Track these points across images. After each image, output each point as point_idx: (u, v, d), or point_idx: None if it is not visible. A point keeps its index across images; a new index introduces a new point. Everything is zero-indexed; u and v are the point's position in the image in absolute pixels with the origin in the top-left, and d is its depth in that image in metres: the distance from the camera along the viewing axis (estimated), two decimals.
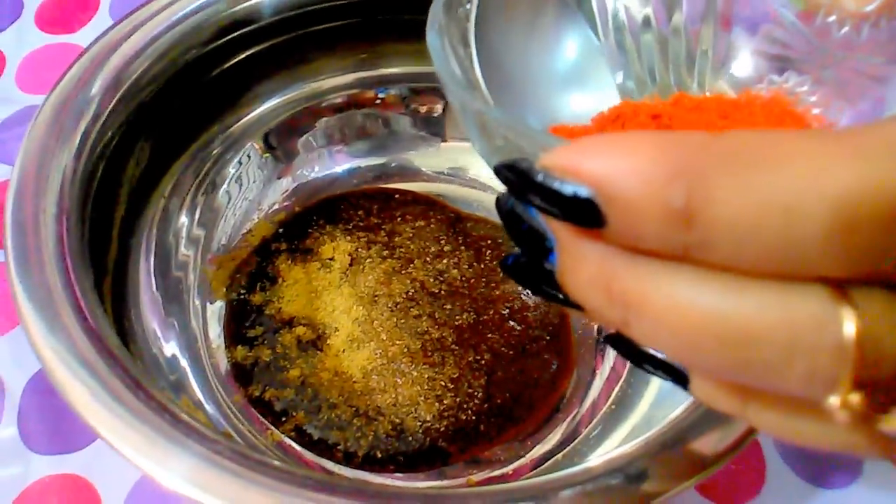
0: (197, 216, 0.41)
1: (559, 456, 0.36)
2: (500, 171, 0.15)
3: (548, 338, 0.41)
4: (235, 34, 0.39)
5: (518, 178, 0.15)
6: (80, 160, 0.31)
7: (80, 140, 0.32)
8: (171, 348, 0.37)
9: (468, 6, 0.25)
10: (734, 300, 0.13)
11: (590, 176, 0.13)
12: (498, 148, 0.20)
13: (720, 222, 0.13)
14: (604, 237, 0.14)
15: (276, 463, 0.25)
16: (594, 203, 0.13)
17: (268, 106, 0.43)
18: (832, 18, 0.22)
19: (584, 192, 0.13)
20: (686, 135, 0.13)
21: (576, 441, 0.37)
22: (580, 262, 0.15)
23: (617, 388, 0.38)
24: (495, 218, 0.44)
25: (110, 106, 0.34)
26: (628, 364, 0.39)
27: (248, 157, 0.43)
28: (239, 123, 0.42)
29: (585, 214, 0.14)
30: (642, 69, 0.28)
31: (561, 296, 0.17)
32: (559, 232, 0.15)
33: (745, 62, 0.25)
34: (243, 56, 0.40)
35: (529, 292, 0.42)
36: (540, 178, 0.14)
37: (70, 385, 0.26)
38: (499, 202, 0.17)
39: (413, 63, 0.44)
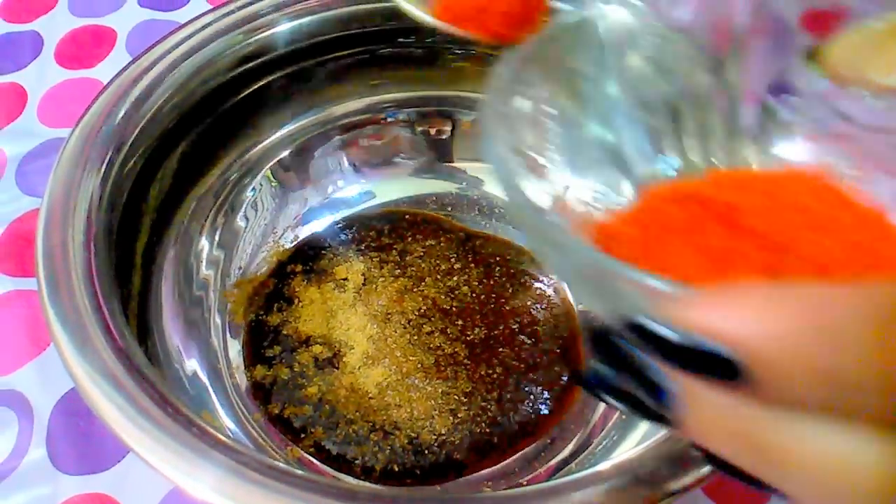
0: (216, 240, 0.42)
1: (573, 465, 0.37)
2: (619, 330, 0.15)
3: (558, 350, 0.42)
4: (251, 64, 0.40)
5: (646, 338, 0.15)
6: (106, 188, 0.33)
7: (105, 169, 0.33)
8: (192, 367, 0.38)
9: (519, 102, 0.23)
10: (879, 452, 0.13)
11: (733, 338, 0.13)
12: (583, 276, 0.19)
13: (867, 381, 0.13)
14: (742, 391, 0.14)
15: (300, 472, 0.26)
16: (735, 362, 0.13)
17: (282, 133, 0.44)
18: (860, 92, 0.22)
19: (724, 351, 0.13)
20: (822, 291, 0.14)
21: (588, 450, 0.38)
22: (715, 414, 0.15)
23: None
24: (502, 235, 0.46)
25: (133, 135, 0.35)
26: None
27: (261, 184, 0.44)
28: (255, 150, 0.44)
29: (724, 371, 0.14)
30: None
31: (650, 413, 0.17)
32: (688, 384, 0.15)
33: (782, 138, 0.25)
34: (259, 85, 0.42)
35: (540, 306, 0.43)
36: (674, 337, 0.14)
37: (101, 402, 0.27)
38: (595, 332, 0.17)
39: (420, 88, 0.46)
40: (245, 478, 0.26)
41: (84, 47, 0.56)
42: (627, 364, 0.16)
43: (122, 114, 0.35)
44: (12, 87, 0.53)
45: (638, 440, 0.36)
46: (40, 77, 0.54)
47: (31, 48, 0.56)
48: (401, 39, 0.43)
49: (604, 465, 0.27)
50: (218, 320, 0.41)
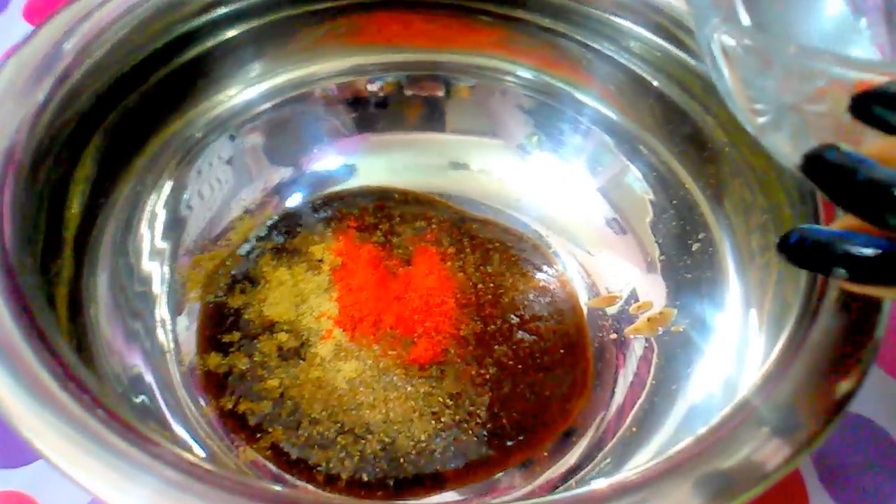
0: (171, 208, 0.37)
1: (572, 482, 0.32)
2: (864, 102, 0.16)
3: (561, 351, 0.36)
4: (221, 11, 0.36)
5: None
6: (38, 124, 0.28)
7: (41, 104, 0.28)
8: (134, 358, 0.33)
9: None
10: None
11: None
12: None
13: None
14: None
15: (253, 484, 0.21)
16: None
17: (254, 90, 0.39)
18: None
19: None
20: None
21: (590, 466, 0.33)
22: None
23: (637, 408, 0.34)
24: (503, 220, 0.41)
25: (80, 73, 0.30)
26: (650, 382, 0.35)
27: (230, 147, 0.39)
28: (224, 107, 0.39)
29: None
30: None
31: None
32: None
33: None
34: (229, 35, 0.37)
35: (543, 299, 0.37)
36: None
37: (5, 396, 0.22)
38: (817, 155, 0.18)
39: (411, 49, 0.41)
40: (187, 492, 0.21)
41: (55, 3, 0.52)
42: (850, 179, 0.17)
43: (68, 47, 0.30)
44: None
45: (649, 458, 0.30)
46: (5, 33, 0.50)
47: None
48: None
49: (601, 483, 0.22)
50: (167, 302, 0.36)
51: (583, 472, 0.32)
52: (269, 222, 0.40)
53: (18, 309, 0.24)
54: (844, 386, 0.24)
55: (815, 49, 0.19)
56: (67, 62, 0.30)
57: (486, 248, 0.40)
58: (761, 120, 0.22)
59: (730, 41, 0.21)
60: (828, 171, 0.19)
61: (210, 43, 0.36)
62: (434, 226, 0.40)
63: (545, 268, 0.39)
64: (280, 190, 0.41)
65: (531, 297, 0.38)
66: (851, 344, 0.25)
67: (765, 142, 0.22)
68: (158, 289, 0.36)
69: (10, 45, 0.48)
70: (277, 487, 0.21)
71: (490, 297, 0.38)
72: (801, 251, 0.21)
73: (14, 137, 0.27)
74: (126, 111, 0.34)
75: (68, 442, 0.21)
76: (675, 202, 0.38)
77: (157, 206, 0.36)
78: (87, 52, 0.31)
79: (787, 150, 0.21)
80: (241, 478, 0.22)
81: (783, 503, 0.33)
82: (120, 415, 0.22)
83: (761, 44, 0.20)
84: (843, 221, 0.22)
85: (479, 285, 0.38)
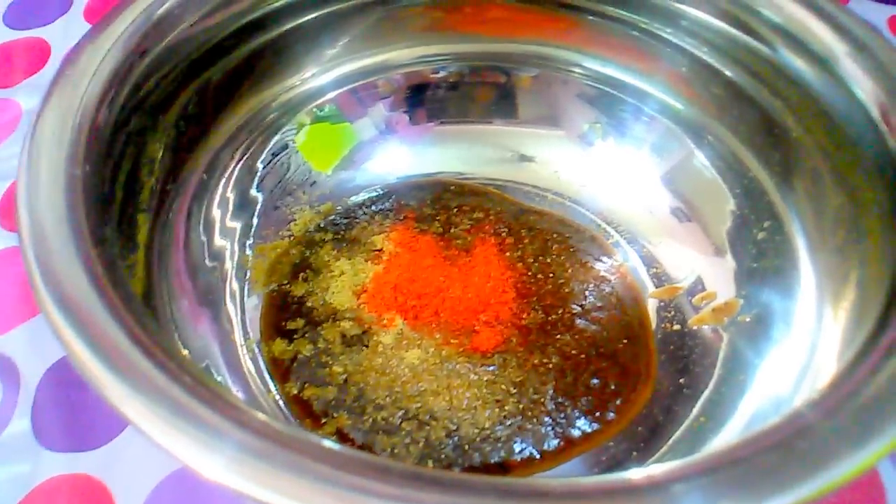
0: (238, 197, 0.37)
1: None
2: None
3: (624, 341, 0.36)
4: None
5: None
6: (117, 100, 0.28)
7: (119, 77, 0.29)
8: (202, 341, 0.33)
9: None
10: None
11: None
12: None
13: None
14: None
15: (337, 448, 0.21)
16: None
17: (328, 76, 0.39)
18: None
19: None
20: None
21: (657, 456, 0.32)
22: None
23: (705, 399, 0.33)
24: (561, 212, 0.41)
25: (157, 51, 0.31)
26: (717, 372, 0.34)
27: (299, 133, 0.39)
28: (297, 91, 0.39)
29: None
30: None
31: None
32: None
33: None
34: (305, 19, 0.37)
35: (603, 289, 0.37)
36: None
37: (92, 365, 0.22)
38: None
39: (478, 38, 0.41)
40: (267, 457, 0.20)
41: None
42: None
43: (148, 24, 0.31)
44: (37, 41, 0.50)
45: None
46: (66, 33, 0.51)
47: (59, 4, 0.53)
48: None
49: (634, 474, 0.20)
50: (235, 287, 0.36)
51: (649, 462, 0.32)
52: (329, 213, 0.40)
53: (99, 280, 0.24)
54: None
55: None
56: (147, 38, 0.31)
57: (545, 238, 0.39)
58: None
59: None
60: None
61: (287, 26, 0.37)
62: (492, 217, 0.40)
63: (604, 259, 0.39)
64: (340, 180, 0.41)
65: (591, 287, 0.37)
66: None
67: None
68: (229, 265, 0.36)
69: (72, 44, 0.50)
70: (366, 456, 0.20)
71: (550, 287, 0.37)
72: None
73: (92, 112, 0.27)
74: (201, 90, 0.34)
75: (153, 408, 0.21)
76: (739, 190, 0.37)
77: (228, 188, 0.37)
78: (165, 30, 0.31)
79: None
80: (331, 444, 0.21)
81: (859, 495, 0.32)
82: (205, 380, 0.22)
83: None
84: None
85: (539, 275, 0.38)
